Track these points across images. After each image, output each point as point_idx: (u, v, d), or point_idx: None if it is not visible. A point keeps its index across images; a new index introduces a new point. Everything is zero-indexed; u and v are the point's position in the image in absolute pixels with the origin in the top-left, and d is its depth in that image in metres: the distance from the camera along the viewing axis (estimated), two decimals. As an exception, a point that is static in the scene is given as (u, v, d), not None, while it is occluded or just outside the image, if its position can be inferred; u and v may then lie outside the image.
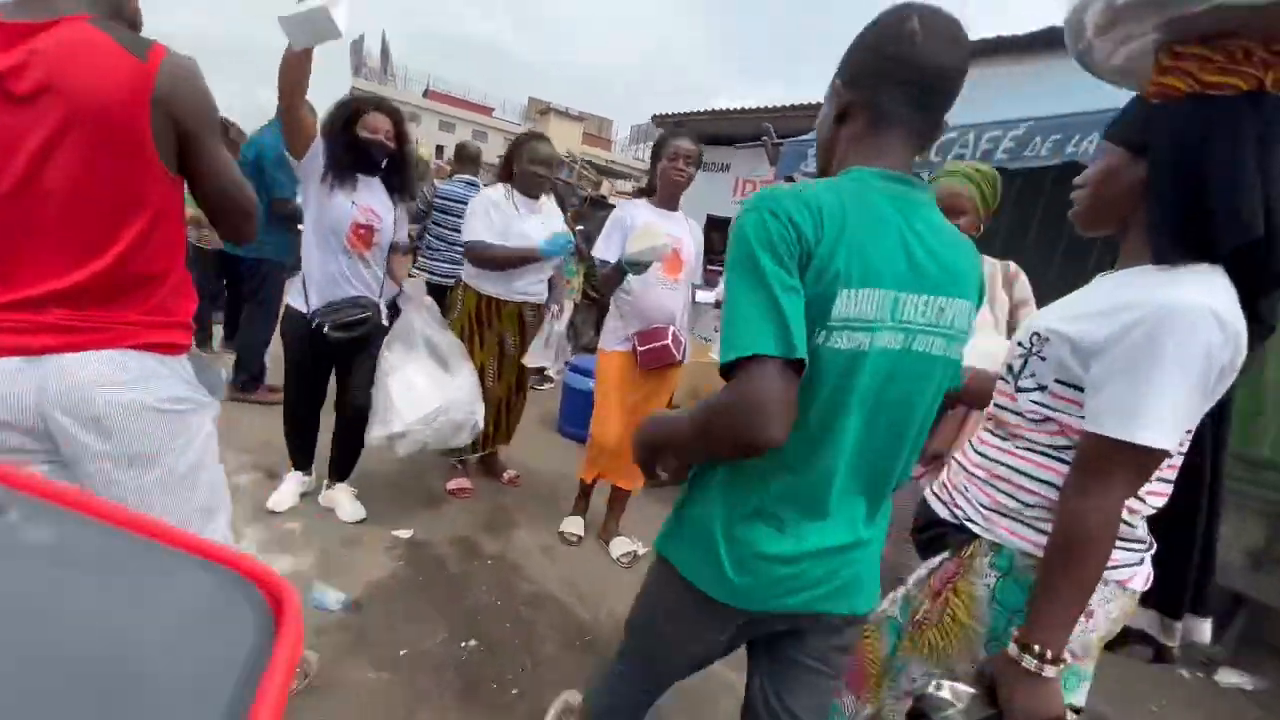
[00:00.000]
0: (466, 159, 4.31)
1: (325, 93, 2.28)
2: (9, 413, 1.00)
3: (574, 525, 2.70)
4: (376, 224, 2.25)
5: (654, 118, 8.50)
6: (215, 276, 4.03)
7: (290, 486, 2.52)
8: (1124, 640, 1.05)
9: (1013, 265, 1.78)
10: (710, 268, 3.15)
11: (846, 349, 0.80)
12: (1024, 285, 1.77)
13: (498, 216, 2.58)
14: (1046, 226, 3.61)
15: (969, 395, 1.16)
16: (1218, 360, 0.81)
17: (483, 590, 2.23)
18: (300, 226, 2.45)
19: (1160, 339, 0.81)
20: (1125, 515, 0.89)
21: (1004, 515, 0.99)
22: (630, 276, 2.27)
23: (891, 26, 0.84)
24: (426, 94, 38.48)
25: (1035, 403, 0.97)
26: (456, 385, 2.47)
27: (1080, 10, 0.97)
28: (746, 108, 7.23)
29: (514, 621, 2.10)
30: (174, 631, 0.30)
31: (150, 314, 1.07)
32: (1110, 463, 0.85)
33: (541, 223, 2.67)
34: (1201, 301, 0.81)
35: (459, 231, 3.07)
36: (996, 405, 1.05)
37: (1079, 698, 0.97)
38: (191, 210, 1.29)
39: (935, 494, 1.13)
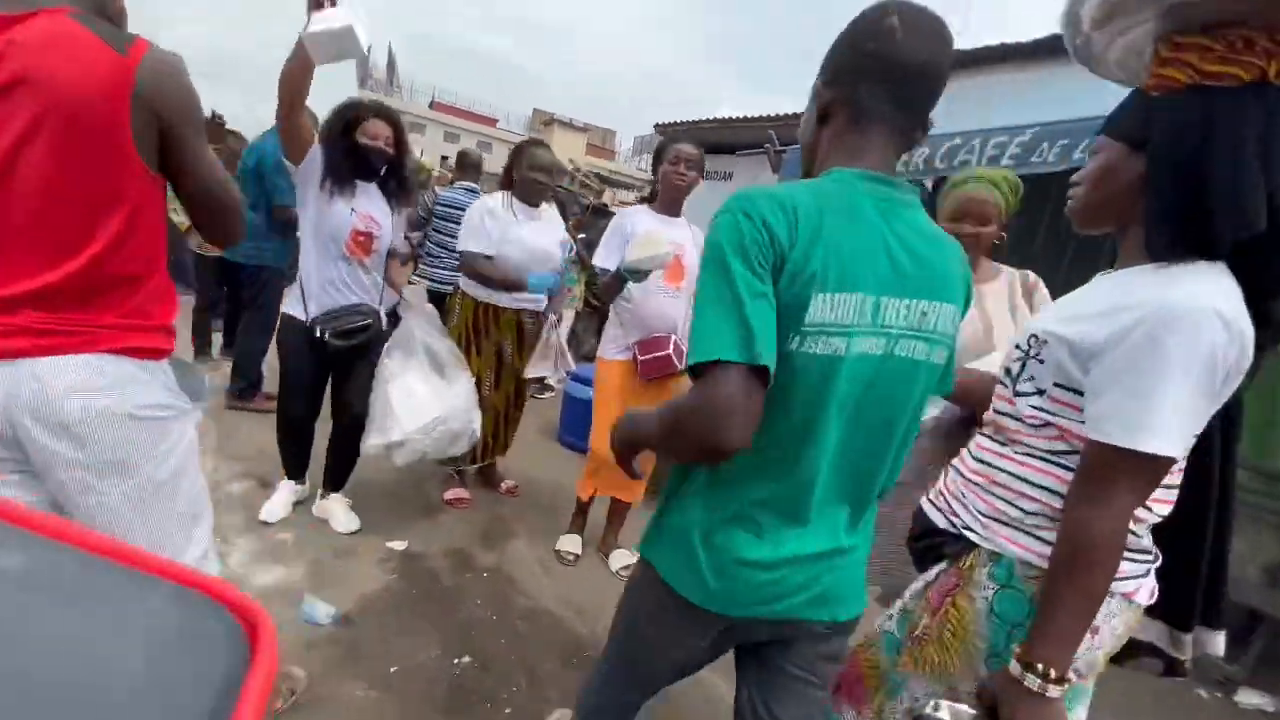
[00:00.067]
0: (467, 166, 4.33)
1: (330, 104, 2.26)
2: None
3: (571, 544, 2.64)
4: (376, 231, 2.25)
5: (657, 126, 8.51)
6: (216, 284, 4.04)
7: (283, 496, 2.49)
8: (1133, 653, 1.02)
9: (1031, 275, 1.76)
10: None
11: (822, 354, 0.79)
12: (1044, 294, 1.75)
13: (493, 224, 2.56)
14: (1054, 233, 3.58)
15: (973, 398, 1.12)
16: (1223, 362, 0.78)
17: (478, 604, 2.19)
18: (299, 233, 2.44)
19: (1162, 340, 0.78)
20: (1130, 524, 0.85)
21: (1003, 523, 0.96)
22: (630, 284, 2.24)
23: (871, 23, 0.83)
24: (432, 105, 38.97)
25: (1034, 407, 0.94)
26: (454, 393, 2.45)
27: (1076, 3, 0.95)
28: (749, 116, 7.25)
29: (509, 637, 2.05)
30: (146, 658, 0.30)
31: (128, 317, 1.05)
32: (1116, 471, 0.82)
33: (539, 229, 2.65)
34: (1204, 301, 0.78)
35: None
36: (995, 410, 1.02)
37: (1078, 717, 0.94)
38: None
39: (932, 502, 1.10)
